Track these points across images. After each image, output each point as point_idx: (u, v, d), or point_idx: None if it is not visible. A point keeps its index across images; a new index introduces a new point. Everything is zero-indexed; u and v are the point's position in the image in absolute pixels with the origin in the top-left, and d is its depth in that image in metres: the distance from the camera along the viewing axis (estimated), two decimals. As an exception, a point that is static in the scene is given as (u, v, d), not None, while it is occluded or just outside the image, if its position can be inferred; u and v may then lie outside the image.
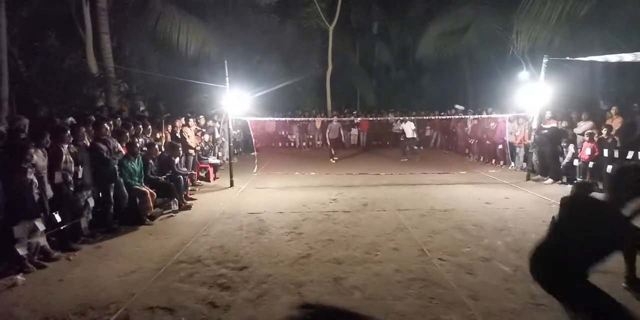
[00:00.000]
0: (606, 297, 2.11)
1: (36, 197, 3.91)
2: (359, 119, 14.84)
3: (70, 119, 6.14)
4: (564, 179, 7.93)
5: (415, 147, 12.49)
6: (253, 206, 6.40)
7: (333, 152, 11.96)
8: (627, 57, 6.69)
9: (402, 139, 12.50)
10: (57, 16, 10.45)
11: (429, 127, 15.41)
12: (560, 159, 8.16)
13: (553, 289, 2.25)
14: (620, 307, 2.09)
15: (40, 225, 3.94)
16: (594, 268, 2.15)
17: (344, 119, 14.13)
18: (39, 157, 4.11)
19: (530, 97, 8.25)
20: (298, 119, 13.68)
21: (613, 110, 8.02)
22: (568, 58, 8.23)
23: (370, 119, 14.84)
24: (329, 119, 13.46)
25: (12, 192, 3.72)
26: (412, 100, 18.82)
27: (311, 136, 15.86)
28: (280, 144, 15.80)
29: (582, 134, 7.79)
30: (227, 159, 9.67)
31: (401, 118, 14.57)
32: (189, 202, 6.59)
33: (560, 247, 2.23)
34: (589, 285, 2.14)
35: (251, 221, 5.55)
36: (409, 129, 11.94)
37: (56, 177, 4.32)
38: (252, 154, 12.14)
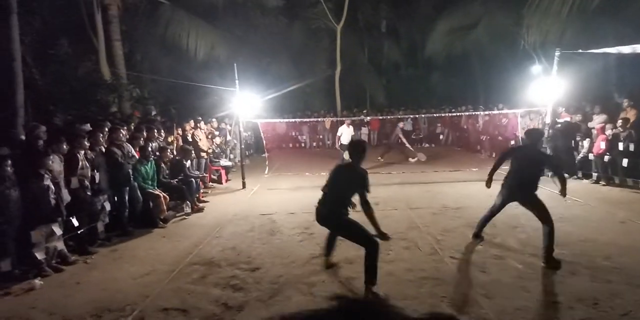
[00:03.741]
0: None
1: (52, 202, 4.00)
2: (368, 118, 14.77)
3: (87, 125, 6.27)
4: (579, 174, 7.78)
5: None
6: (265, 207, 6.44)
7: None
8: None
9: None
10: (69, 24, 10.67)
11: (439, 124, 15.30)
12: (575, 153, 8.01)
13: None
14: None
15: (57, 230, 4.04)
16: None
17: (353, 118, 14.05)
18: (56, 163, 4.22)
19: (543, 91, 8.11)
20: (307, 119, 13.66)
21: (626, 102, 7.83)
22: (580, 51, 8.06)
23: (380, 117, 14.75)
24: (341, 118, 12.85)
25: (29, 198, 3.82)
26: (422, 98, 18.68)
27: (321, 136, 15.90)
28: (290, 145, 15.86)
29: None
30: (238, 160, 9.74)
31: (410, 116, 14.48)
32: (201, 204, 6.66)
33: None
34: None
35: (263, 222, 5.59)
36: None
37: (72, 183, 4.43)
38: (263, 155, 12.20)
